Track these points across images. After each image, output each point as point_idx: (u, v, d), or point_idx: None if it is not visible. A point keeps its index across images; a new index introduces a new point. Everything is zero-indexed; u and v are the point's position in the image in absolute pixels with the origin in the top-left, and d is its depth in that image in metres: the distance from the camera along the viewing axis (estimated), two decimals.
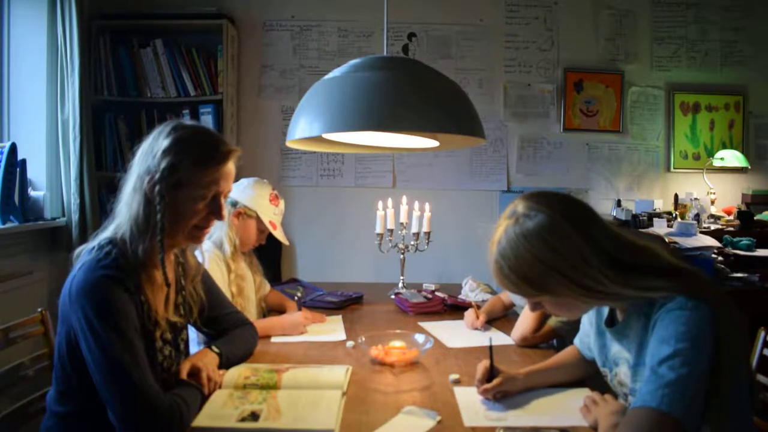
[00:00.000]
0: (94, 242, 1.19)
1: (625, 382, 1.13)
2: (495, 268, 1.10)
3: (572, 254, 1.03)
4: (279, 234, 2.01)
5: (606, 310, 1.22)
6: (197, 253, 1.82)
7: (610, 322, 1.19)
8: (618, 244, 1.06)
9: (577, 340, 1.40)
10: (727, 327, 0.96)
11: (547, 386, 1.33)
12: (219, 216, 1.24)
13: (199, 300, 1.40)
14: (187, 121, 1.26)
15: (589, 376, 1.41)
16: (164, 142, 1.18)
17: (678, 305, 0.98)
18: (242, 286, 1.93)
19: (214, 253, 1.87)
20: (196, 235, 1.26)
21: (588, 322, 1.31)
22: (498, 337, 1.79)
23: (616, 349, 1.16)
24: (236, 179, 2.39)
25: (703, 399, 0.93)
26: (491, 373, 1.27)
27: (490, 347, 1.32)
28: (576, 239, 1.04)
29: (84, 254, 1.18)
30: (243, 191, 1.98)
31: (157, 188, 1.16)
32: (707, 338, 0.94)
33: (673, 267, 1.05)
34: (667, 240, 2.63)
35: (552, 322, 1.66)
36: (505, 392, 1.26)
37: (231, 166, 1.25)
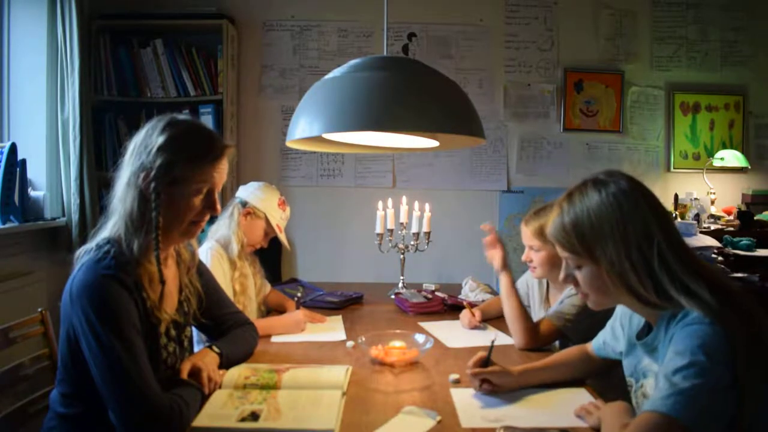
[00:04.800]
0: (93, 243, 1.19)
1: (650, 394, 1.10)
2: (555, 213, 1.11)
3: (639, 224, 1.03)
4: (284, 238, 2.04)
5: (638, 320, 1.20)
6: (201, 252, 1.83)
7: (642, 334, 1.16)
8: (681, 239, 1.07)
9: (599, 340, 1.36)
10: (745, 349, 0.93)
11: (543, 384, 1.32)
12: (214, 210, 1.25)
13: (196, 291, 1.39)
14: (180, 116, 1.25)
15: (590, 376, 1.40)
16: (159, 139, 1.18)
17: (695, 320, 0.97)
18: (246, 285, 1.95)
19: (217, 251, 1.88)
20: (192, 230, 1.27)
21: (620, 324, 1.28)
22: (498, 337, 1.78)
23: (646, 361, 1.14)
24: (238, 180, 2.39)
25: (720, 414, 0.91)
26: (485, 364, 1.29)
27: (492, 343, 1.34)
28: (648, 212, 1.04)
29: (83, 255, 1.18)
30: (252, 193, 2.01)
31: (153, 185, 1.16)
32: (724, 353, 0.92)
33: (720, 282, 1.03)
34: None
35: (555, 320, 1.65)
36: (497, 386, 1.26)
37: (225, 162, 1.26)
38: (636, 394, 1.17)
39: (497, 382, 1.27)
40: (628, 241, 1.02)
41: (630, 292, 1.03)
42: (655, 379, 1.09)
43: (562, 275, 1.15)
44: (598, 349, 1.36)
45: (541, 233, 1.72)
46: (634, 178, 1.10)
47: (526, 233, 1.78)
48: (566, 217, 1.08)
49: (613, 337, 1.30)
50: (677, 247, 1.04)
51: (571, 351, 1.43)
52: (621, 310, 1.29)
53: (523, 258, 1.81)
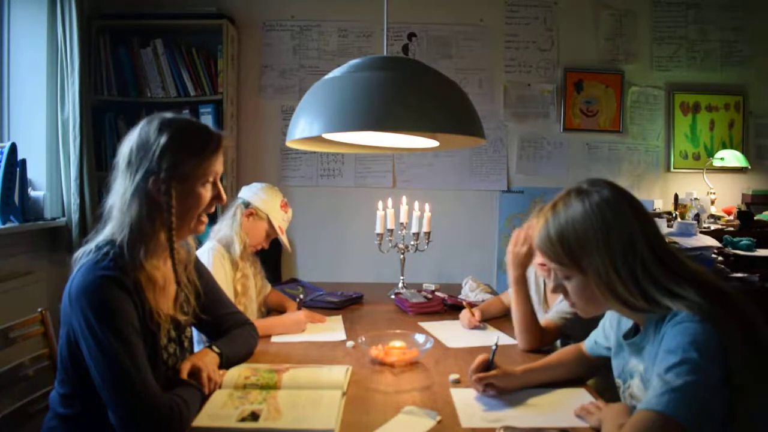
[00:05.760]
0: (92, 244, 1.19)
1: (637, 395, 1.11)
2: (540, 225, 1.11)
3: (622, 233, 1.03)
4: (285, 239, 2.04)
5: (626, 322, 1.20)
6: (202, 252, 1.83)
7: (630, 334, 1.17)
8: (665, 244, 1.07)
9: (591, 340, 1.36)
10: (740, 347, 0.94)
11: (544, 384, 1.32)
12: (221, 199, 1.29)
13: (194, 288, 1.39)
14: (167, 114, 1.26)
15: (588, 374, 1.40)
16: (161, 140, 1.18)
17: (685, 318, 0.97)
18: (247, 286, 1.96)
19: (219, 251, 1.88)
20: (200, 224, 1.29)
21: (609, 325, 1.29)
22: (499, 337, 1.78)
23: (633, 362, 1.15)
24: (238, 180, 2.36)
25: (715, 411, 0.91)
26: (488, 367, 1.28)
27: (495, 346, 1.32)
28: (632, 220, 1.05)
29: (82, 257, 1.18)
30: (255, 194, 2.01)
31: (163, 187, 1.17)
32: (715, 350, 0.92)
33: (711, 284, 1.03)
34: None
35: (556, 319, 1.64)
36: (500, 389, 1.26)
37: (222, 151, 1.30)
38: (624, 395, 1.18)
39: (501, 385, 1.26)
40: (612, 251, 1.03)
41: (619, 300, 1.04)
42: (641, 380, 1.10)
43: (551, 286, 1.16)
44: (590, 349, 1.37)
45: None
46: (617, 186, 1.11)
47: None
48: (551, 229, 1.09)
49: (604, 336, 1.31)
50: (661, 253, 1.05)
51: (568, 350, 1.43)
52: (609, 312, 1.29)
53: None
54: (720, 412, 0.91)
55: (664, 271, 1.03)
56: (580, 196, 1.08)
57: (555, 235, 1.08)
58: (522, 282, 1.67)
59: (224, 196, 1.30)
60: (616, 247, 1.03)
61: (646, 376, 1.07)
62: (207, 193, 1.26)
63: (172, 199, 1.18)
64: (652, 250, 1.04)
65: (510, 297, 1.70)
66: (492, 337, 1.81)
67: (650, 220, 1.09)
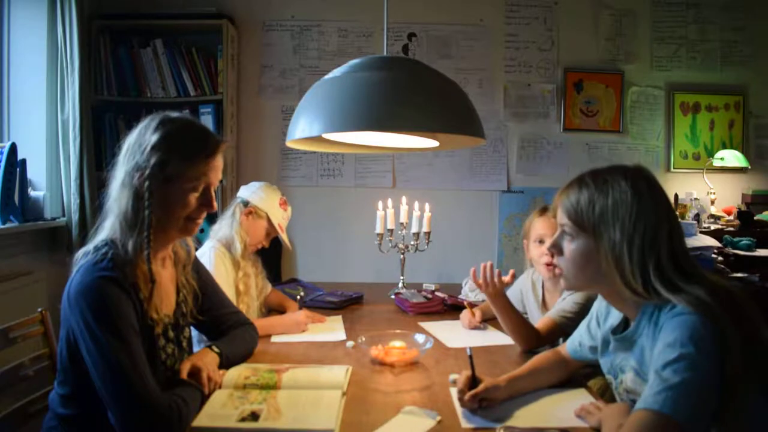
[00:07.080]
0: (90, 245, 1.19)
1: (633, 388, 1.11)
2: (570, 183, 1.13)
3: (650, 224, 1.04)
4: (285, 237, 2.04)
5: (613, 320, 1.20)
6: (203, 251, 1.83)
7: (618, 329, 1.17)
8: (684, 247, 1.08)
9: (574, 343, 1.36)
10: (739, 346, 0.94)
11: (530, 392, 1.30)
12: (210, 207, 1.26)
13: (192, 289, 1.39)
14: (173, 113, 1.25)
15: (570, 379, 1.38)
16: (153, 138, 1.18)
17: (685, 310, 0.97)
18: (249, 285, 1.96)
19: (220, 250, 1.88)
20: (189, 227, 1.27)
21: (595, 324, 1.28)
22: (497, 337, 1.79)
23: (622, 356, 1.15)
24: (238, 180, 2.34)
25: (710, 408, 0.91)
26: (473, 383, 1.22)
27: (470, 356, 1.27)
28: (663, 216, 1.06)
29: (81, 257, 1.18)
30: (254, 192, 2.02)
31: (147, 184, 1.17)
32: (713, 344, 0.92)
33: (718, 285, 1.04)
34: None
35: (557, 317, 1.64)
36: (489, 401, 1.22)
37: (220, 158, 1.27)
38: (617, 391, 1.17)
39: (491, 397, 1.22)
40: (634, 234, 1.04)
41: (620, 277, 1.05)
42: (635, 373, 1.10)
43: (549, 243, 1.17)
44: (573, 352, 1.36)
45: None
46: (659, 183, 1.12)
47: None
48: (586, 191, 1.10)
49: (590, 336, 1.30)
50: (678, 254, 1.06)
51: (547, 356, 1.40)
52: (597, 309, 1.30)
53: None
54: (714, 408, 0.92)
55: (675, 268, 1.04)
56: (626, 175, 1.10)
57: (581, 196, 1.10)
58: (498, 298, 1.65)
59: (215, 205, 1.26)
60: (639, 233, 1.04)
61: (642, 369, 1.07)
62: (193, 198, 1.22)
63: (152, 197, 1.17)
64: (670, 249, 1.05)
65: (493, 311, 1.68)
66: (493, 336, 1.81)
67: (678, 222, 1.10)
